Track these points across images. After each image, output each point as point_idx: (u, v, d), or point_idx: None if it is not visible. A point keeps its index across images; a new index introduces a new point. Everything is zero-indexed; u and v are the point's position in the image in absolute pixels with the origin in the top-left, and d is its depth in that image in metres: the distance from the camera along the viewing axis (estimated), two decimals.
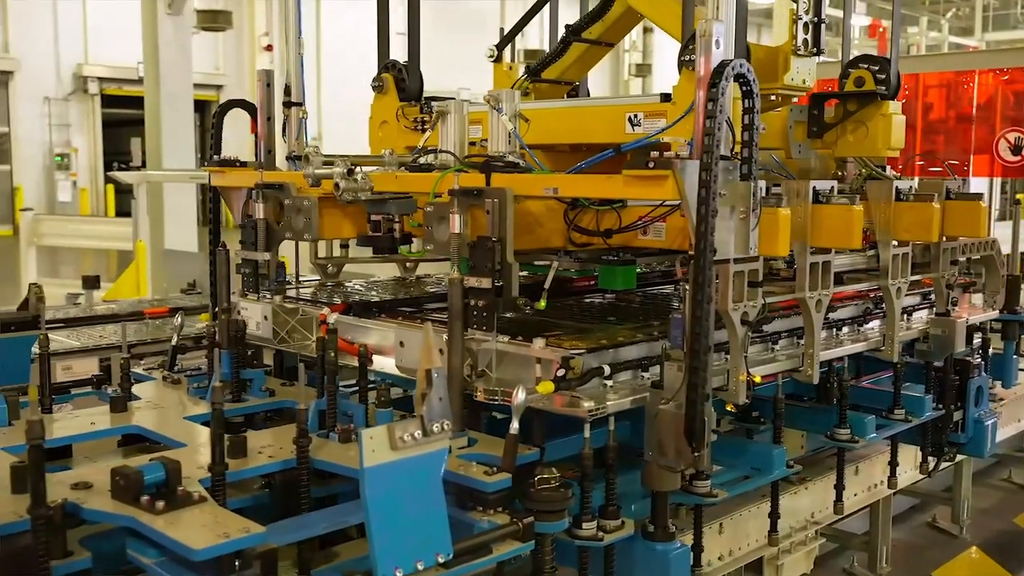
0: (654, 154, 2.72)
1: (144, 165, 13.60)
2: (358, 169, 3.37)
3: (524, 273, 3.48)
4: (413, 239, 3.60)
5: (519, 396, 2.66)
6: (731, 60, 2.71)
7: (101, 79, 22.37)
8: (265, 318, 3.73)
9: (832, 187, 3.42)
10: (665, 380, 2.83)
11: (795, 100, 3.89)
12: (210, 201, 4.17)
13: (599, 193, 3.11)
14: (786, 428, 4.28)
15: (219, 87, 24.35)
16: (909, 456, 4.72)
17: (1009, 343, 5.66)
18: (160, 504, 2.29)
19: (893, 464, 4.33)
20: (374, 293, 4.22)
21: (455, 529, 2.48)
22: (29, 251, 11.64)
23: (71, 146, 21.44)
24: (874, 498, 4.92)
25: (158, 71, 10.77)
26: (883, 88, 3.89)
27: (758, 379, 3.25)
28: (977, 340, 5.17)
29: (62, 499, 2.34)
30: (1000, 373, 5.66)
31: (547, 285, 3.33)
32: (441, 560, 2.24)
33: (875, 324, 4.08)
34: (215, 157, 4.13)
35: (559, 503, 2.63)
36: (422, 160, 3.58)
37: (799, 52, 3.57)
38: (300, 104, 4.05)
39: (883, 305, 3.94)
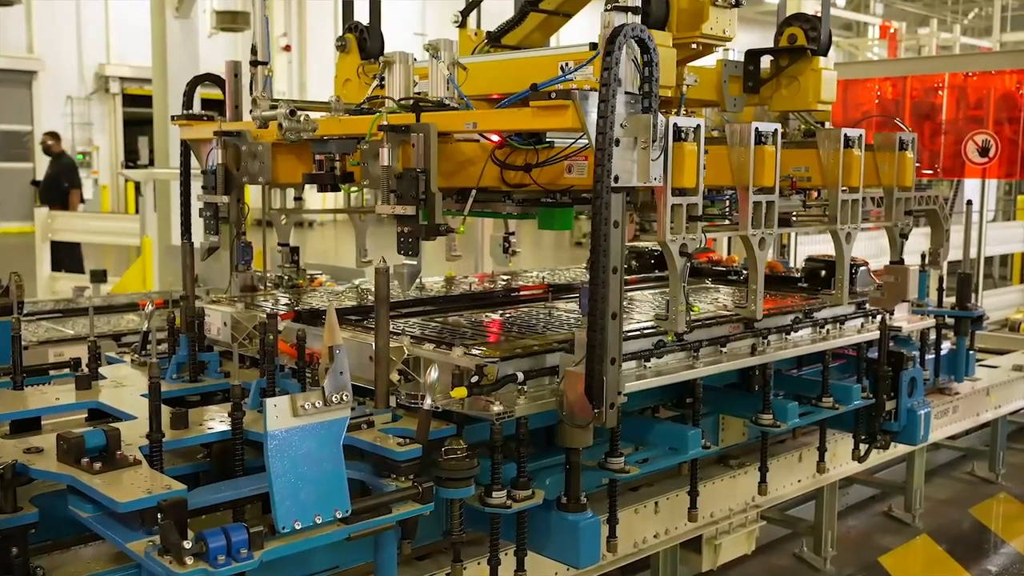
0: (558, 86, 2.95)
1: (152, 163, 13.96)
2: (300, 111, 3.59)
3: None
4: (353, 178, 3.76)
5: (432, 374, 2.94)
6: (626, 24, 2.89)
7: (122, 79, 22.79)
8: (225, 324, 3.99)
9: (776, 129, 3.54)
10: (575, 344, 3.03)
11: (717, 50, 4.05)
12: (180, 156, 4.38)
13: (511, 125, 3.30)
14: (729, 416, 4.55)
15: None
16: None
17: (961, 338, 5.87)
18: (98, 465, 2.58)
19: (821, 449, 4.54)
20: (347, 299, 4.49)
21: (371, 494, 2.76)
22: (43, 246, 12.04)
23: (93, 144, 21.88)
24: (818, 484, 5.15)
25: (166, 73, 11.06)
26: (814, 44, 4.10)
27: (697, 308, 3.45)
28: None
29: (12, 460, 2.64)
30: (953, 368, 5.87)
31: (468, 205, 3.58)
32: (340, 515, 2.49)
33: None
34: (184, 112, 4.34)
35: (464, 471, 2.87)
36: (367, 107, 3.78)
37: (718, 3, 3.77)
38: (265, 63, 4.23)
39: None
